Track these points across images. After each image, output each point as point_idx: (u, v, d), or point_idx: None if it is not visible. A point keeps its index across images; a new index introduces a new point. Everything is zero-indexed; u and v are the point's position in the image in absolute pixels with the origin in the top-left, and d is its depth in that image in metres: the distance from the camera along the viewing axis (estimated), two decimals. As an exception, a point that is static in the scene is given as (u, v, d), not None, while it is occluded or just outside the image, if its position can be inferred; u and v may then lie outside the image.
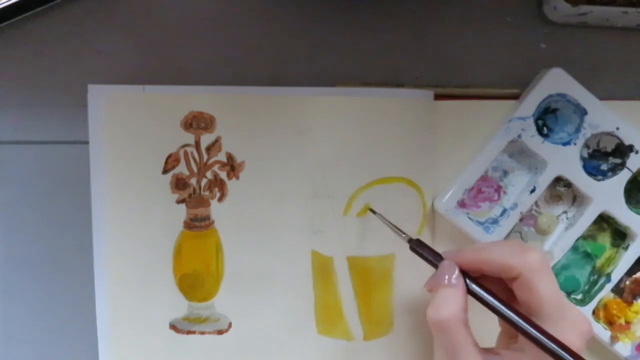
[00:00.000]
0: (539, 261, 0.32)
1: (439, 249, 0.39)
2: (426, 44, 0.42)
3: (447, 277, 0.32)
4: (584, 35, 0.42)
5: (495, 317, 0.33)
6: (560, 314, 0.31)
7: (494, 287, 0.33)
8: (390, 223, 0.37)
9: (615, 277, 0.40)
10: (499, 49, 0.42)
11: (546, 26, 0.42)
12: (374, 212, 0.39)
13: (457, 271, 0.32)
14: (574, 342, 0.30)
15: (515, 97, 0.41)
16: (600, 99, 0.40)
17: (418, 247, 0.35)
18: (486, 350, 0.32)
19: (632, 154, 0.40)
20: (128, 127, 0.38)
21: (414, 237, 0.36)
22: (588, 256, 0.42)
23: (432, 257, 0.34)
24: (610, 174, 0.41)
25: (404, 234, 0.36)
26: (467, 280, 0.32)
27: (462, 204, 0.40)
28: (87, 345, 0.40)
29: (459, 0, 0.42)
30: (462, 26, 0.42)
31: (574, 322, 0.31)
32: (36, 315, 0.41)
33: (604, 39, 0.42)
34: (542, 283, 0.31)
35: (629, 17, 0.40)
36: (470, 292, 0.32)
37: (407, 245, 0.35)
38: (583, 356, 0.30)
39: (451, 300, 0.31)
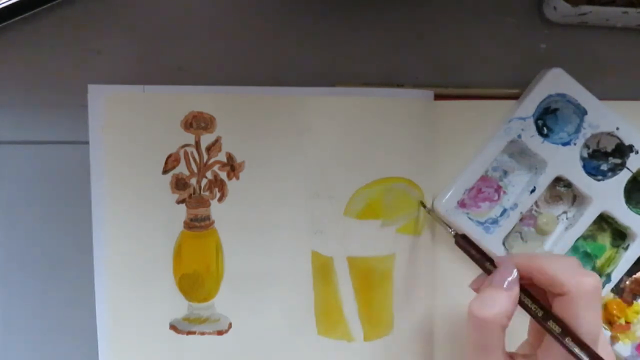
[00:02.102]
0: (593, 289, 0.30)
1: (439, 248, 0.39)
2: (426, 44, 0.42)
3: (504, 279, 0.31)
4: (584, 35, 0.42)
5: (522, 324, 0.32)
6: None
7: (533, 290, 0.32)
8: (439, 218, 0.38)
9: (615, 277, 0.40)
10: (499, 49, 0.42)
11: (546, 26, 0.42)
12: (424, 205, 0.39)
13: (515, 276, 0.31)
14: None
15: (515, 97, 0.41)
16: (600, 99, 0.40)
17: (465, 243, 0.34)
18: (510, 355, 0.32)
19: (632, 154, 0.40)
20: (128, 127, 0.38)
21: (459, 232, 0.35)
22: (588, 256, 0.42)
23: (480, 255, 0.33)
24: (610, 174, 0.41)
25: (451, 228, 0.36)
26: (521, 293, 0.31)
27: (462, 204, 0.40)
28: (87, 345, 0.40)
29: (459, 0, 0.42)
30: (462, 26, 0.42)
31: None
32: (36, 315, 0.41)
33: (604, 39, 0.42)
34: (587, 311, 0.30)
35: (629, 17, 0.40)
36: (522, 303, 0.31)
37: (407, 246, 0.35)
38: None
39: (501, 303, 0.30)
